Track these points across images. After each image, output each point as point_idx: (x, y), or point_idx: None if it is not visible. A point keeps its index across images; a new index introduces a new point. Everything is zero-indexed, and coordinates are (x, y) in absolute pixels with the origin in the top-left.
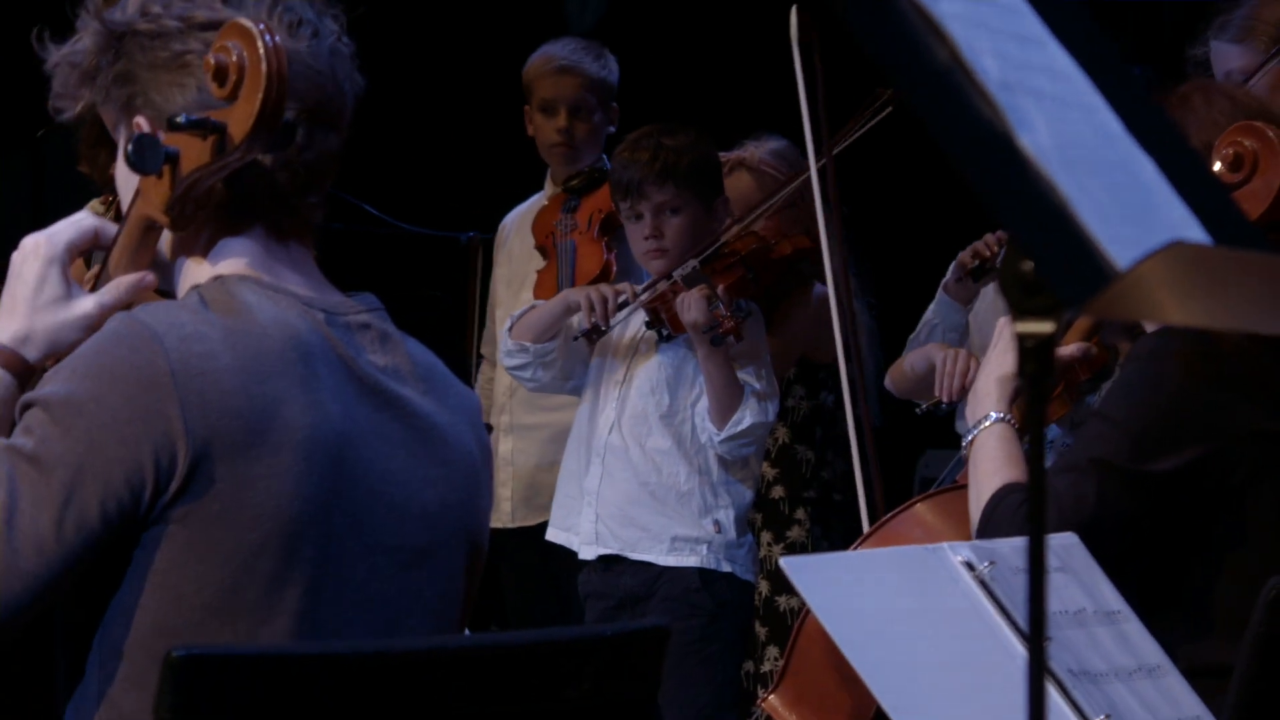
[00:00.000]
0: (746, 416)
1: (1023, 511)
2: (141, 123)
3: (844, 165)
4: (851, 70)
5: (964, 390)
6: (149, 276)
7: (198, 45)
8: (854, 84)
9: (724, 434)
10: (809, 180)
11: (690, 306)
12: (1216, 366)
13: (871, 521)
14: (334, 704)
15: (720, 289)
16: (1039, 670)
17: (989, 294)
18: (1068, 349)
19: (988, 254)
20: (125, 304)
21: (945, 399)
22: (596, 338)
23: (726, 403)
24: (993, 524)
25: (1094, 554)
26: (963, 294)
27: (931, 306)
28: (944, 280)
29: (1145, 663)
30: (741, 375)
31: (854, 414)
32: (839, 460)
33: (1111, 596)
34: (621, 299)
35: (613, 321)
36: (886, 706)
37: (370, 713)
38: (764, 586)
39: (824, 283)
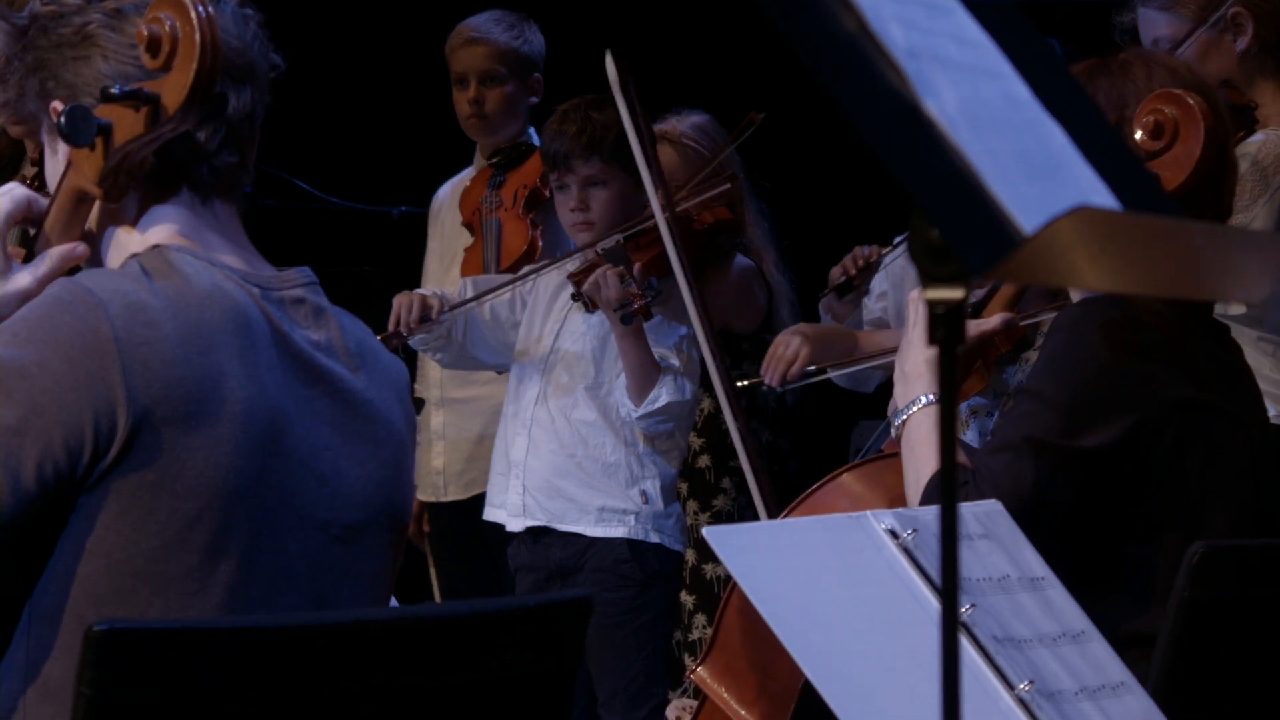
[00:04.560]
0: (663, 395)
1: (961, 494)
2: (57, 106)
3: (764, 138)
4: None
5: (785, 380)
6: (81, 247)
7: (98, 15)
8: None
9: (640, 411)
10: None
11: (602, 284)
12: (1137, 336)
13: (765, 504)
14: (257, 677)
15: (636, 266)
16: (952, 635)
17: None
18: (990, 321)
19: (853, 270)
20: (59, 274)
21: (769, 383)
22: (397, 343)
23: (642, 380)
24: (930, 506)
25: (1033, 532)
26: (838, 310)
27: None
28: (822, 297)
29: (1069, 628)
30: (661, 350)
31: (732, 415)
32: (765, 429)
33: (1035, 563)
34: (425, 313)
35: (412, 337)
36: (812, 676)
37: (294, 685)
38: (690, 555)
39: (744, 255)
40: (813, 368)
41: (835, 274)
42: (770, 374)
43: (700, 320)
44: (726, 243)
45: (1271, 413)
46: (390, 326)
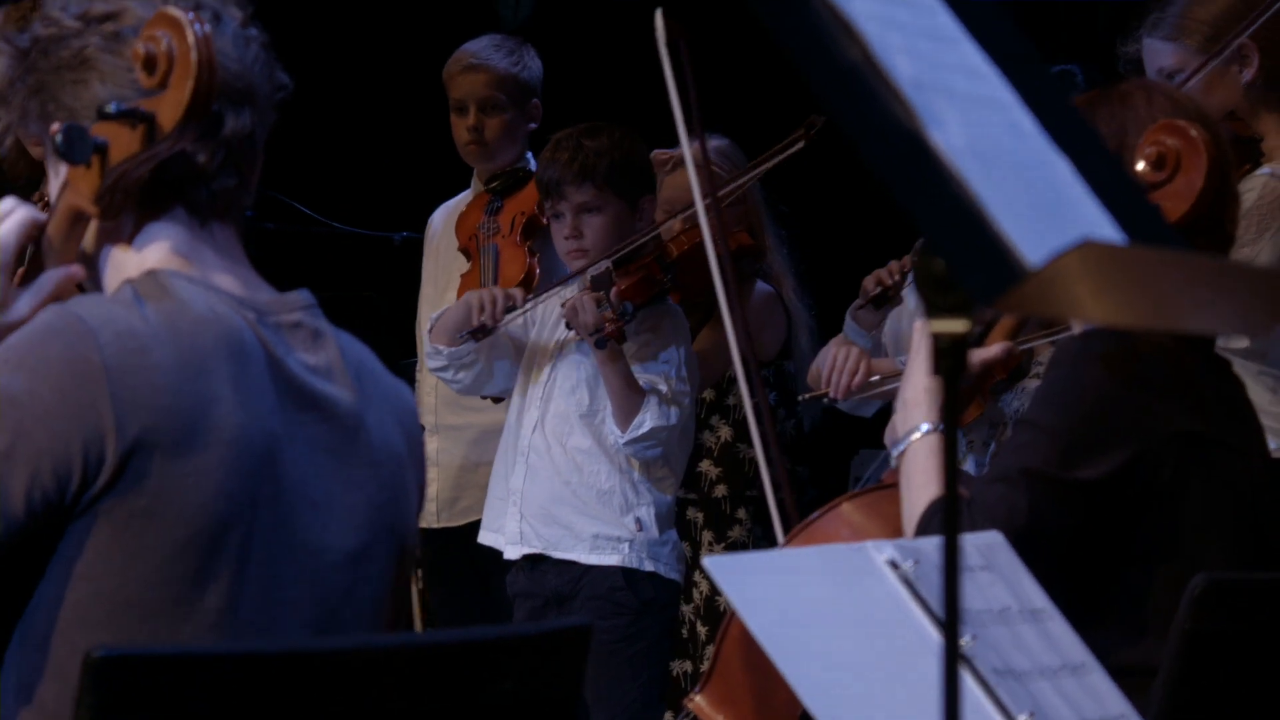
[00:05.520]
0: (647, 420)
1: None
2: (57, 129)
3: (783, 165)
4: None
5: (849, 390)
6: (78, 270)
7: (95, 39)
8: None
9: (625, 437)
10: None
11: (579, 310)
12: (1138, 368)
13: (784, 524)
14: (257, 703)
15: (614, 291)
16: (953, 668)
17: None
18: (991, 350)
19: (889, 281)
20: (55, 298)
21: (832, 395)
22: (482, 336)
23: (625, 406)
24: (928, 537)
25: (1029, 564)
26: (868, 320)
27: (842, 332)
28: (853, 304)
29: (1070, 660)
30: (648, 375)
31: (759, 430)
32: (782, 459)
33: (1035, 594)
34: (510, 303)
35: (501, 324)
36: (811, 707)
37: (293, 711)
38: (705, 586)
39: (764, 280)
40: (877, 378)
41: (869, 284)
42: (835, 385)
43: (735, 330)
44: (747, 268)
45: (1272, 446)
46: (474, 320)
